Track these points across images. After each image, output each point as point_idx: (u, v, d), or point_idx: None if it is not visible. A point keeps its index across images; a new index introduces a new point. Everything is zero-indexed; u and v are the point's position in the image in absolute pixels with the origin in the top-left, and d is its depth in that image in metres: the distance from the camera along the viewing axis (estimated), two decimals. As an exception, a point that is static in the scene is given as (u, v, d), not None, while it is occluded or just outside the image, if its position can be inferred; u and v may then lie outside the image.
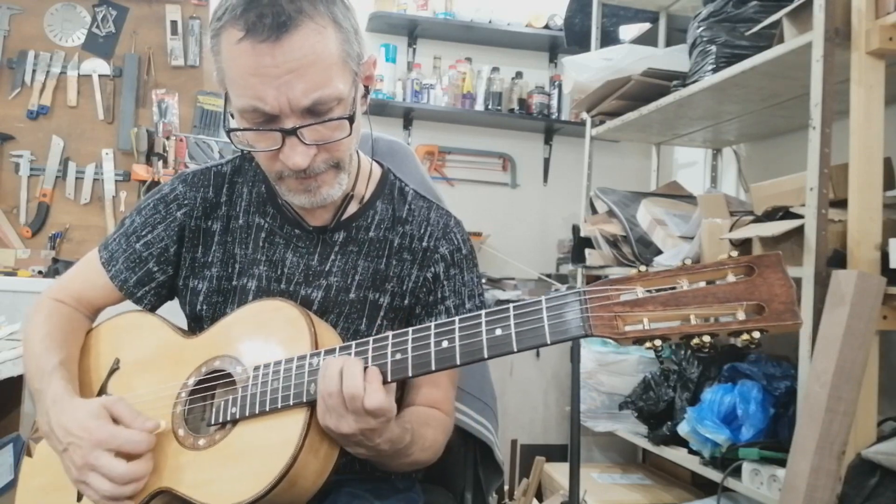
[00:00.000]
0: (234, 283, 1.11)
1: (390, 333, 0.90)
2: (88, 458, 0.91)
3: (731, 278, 0.75)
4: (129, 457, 0.91)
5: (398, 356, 0.87)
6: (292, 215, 1.11)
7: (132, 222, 1.15)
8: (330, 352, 0.92)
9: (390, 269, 1.10)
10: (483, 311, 0.85)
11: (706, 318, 0.74)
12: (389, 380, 0.89)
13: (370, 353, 0.89)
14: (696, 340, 0.74)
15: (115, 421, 0.94)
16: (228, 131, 0.98)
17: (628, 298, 0.76)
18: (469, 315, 0.86)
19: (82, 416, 0.94)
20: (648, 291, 0.77)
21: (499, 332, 0.83)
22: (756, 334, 0.72)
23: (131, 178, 3.30)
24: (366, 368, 0.88)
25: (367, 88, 1.03)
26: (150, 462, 0.93)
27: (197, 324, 1.14)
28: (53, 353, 1.04)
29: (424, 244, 1.11)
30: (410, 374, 0.87)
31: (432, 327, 0.87)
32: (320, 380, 0.89)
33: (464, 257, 1.13)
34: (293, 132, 0.93)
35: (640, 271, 0.77)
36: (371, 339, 0.90)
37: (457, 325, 0.86)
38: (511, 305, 0.83)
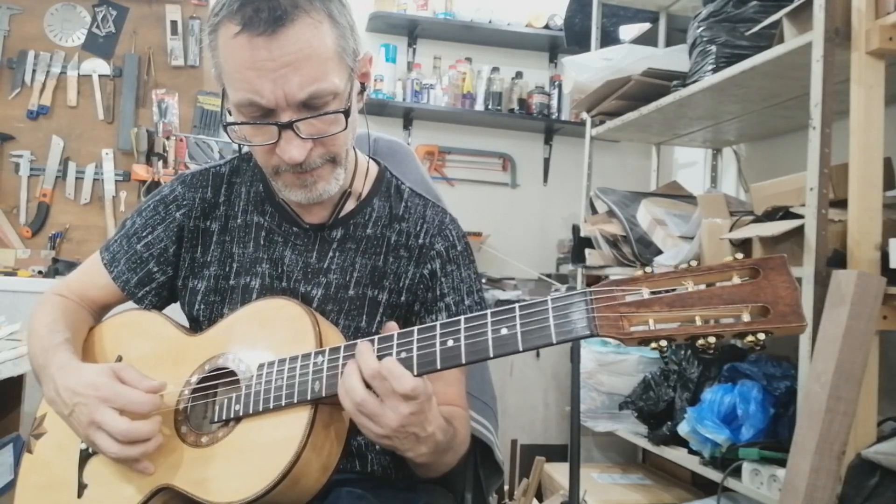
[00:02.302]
0: (232, 282, 1.12)
1: (395, 332, 0.90)
2: (94, 415, 0.91)
3: (736, 280, 0.75)
4: (134, 418, 0.91)
5: (403, 354, 0.87)
6: (290, 213, 1.11)
7: (133, 224, 1.16)
8: (334, 350, 0.92)
9: (387, 266, 1.11)
10: (489, 311, 0.85)
11: (711, 319, 0.74)
12: None
13: (374, 352, 0.89)
14: (701, 341, 0.74)
15: (122, 383, 0.94)
16: (225, 125, 0.99)
17: (634, 299, 0.77)
18: (475, 315, 0.86)
19: (89, 376, 0.94)
20: (654, 292, 0.77)
21: (504, 331, 0.83)
22: (761, 336, 0.72)
23: (131, 178, 3.30)
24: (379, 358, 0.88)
25: (363, 85, 1.04)
26: (155, 425, 0.92)
27: (195, 324, 1.14)
28: (59, 333, 1.05)
29: (420, 241, 1.12)
30: (415, 373, 0.87)
31: (438, 326, 0.87)
32: (342, 398, 0.88)
33: (459, 254, 1.13)
34: (289, 126, 0.94)
35: (645, 272, 0.77)
36: (376, 337, 0.91)
37: (462, 325, 0.86)
38: (517, 305, 0.83)
